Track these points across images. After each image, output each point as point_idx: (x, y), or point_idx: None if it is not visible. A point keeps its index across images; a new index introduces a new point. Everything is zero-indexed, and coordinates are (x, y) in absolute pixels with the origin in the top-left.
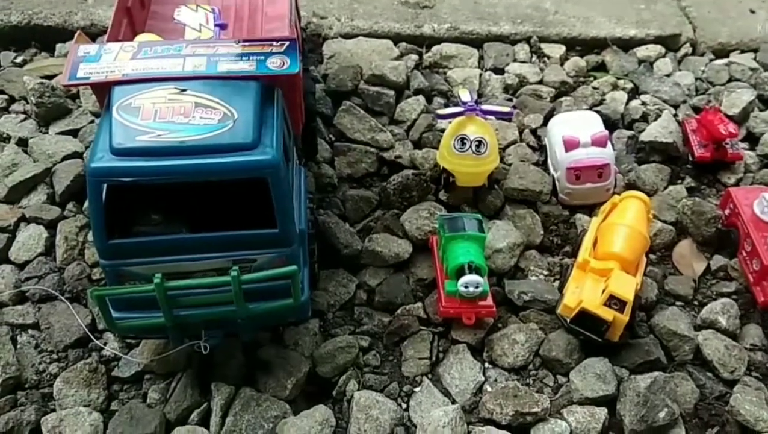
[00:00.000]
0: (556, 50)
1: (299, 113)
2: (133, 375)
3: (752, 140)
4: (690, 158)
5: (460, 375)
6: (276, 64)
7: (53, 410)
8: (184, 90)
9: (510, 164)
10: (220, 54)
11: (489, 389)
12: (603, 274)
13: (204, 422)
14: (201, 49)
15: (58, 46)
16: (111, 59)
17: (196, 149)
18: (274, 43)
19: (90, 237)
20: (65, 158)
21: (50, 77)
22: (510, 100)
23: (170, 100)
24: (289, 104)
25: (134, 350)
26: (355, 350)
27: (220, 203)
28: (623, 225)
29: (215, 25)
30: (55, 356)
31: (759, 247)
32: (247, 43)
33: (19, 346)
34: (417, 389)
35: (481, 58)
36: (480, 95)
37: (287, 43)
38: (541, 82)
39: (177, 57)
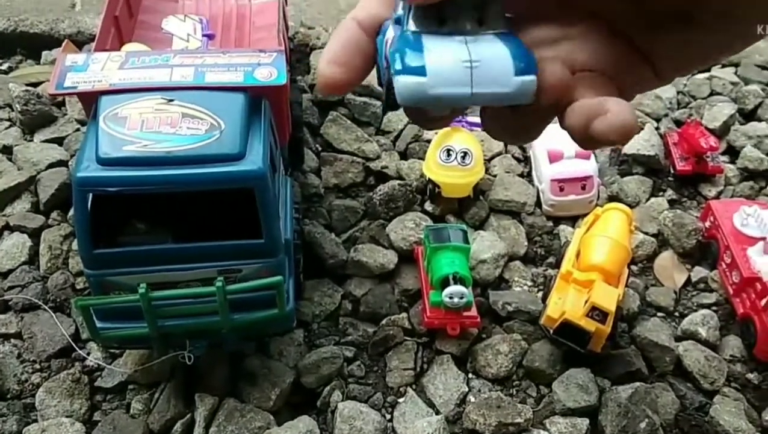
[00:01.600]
0: None
1: (286, 124)
2: (116, 386)
3: (733, 153)
4: (671, 171)
5: (444, 385)
6: (263, 75)
7: (35, 421)
8: (172, 100)
9: (495, 175)
10: (207, 64)
11: (473, 399)
12: (585, 285)
13: (188, 432)
14: (188, 60)
15: (45, 53)
16: (98, 69)
17: (183, 159)
18: (262, 54)
19: (74, 246)
20: (50, 166)
21: (36, 85)
22: None
23: (157, 110)
24: (276, 115)
25: (118, 360)
26: (339, 360)
27: (206, 213)
28: (605, 237)
29: (203, 35)
30: (37, 366)
31: (738, 259)
32: (234, 54)
33: (1, 356)
34: (401, 400)
35: None
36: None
37: (275, 54)
38: None
39: (164, 67)
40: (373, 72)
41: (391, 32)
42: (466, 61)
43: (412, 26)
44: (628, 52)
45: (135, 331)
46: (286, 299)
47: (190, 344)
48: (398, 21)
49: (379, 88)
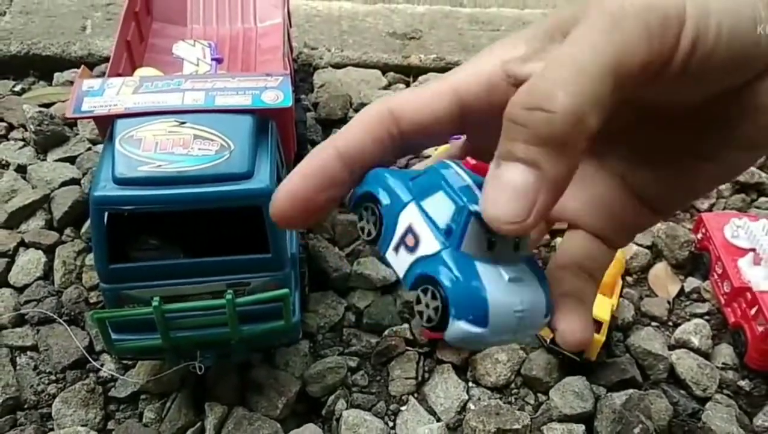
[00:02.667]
0: None
1: (292, 143)
2: (129, 395)
3: None
4: None
5: (445, 394)
6: (270, 98)
7: (51, 429)
8: (184, 123)
9: None
10: (217, 88)
11: (472, 407)
12: None
13: None
14: (199, 84)
15: (57, 75)
16: (114, 93)
17: (195, 179)
18: (269, 77)
19: (87, 261)
20: (63, 184)
21: (48, 105)
22: None
23: (170, 132)
24: (282, 135)
25: (130, 371)
26: (343, 370)
27: (216, 229)
28: None
29: (212, 59)
30: (53, 377)
31: (729, 270)
32: (243, 78)
33: (18, 367)
34: (403, 408)
35: None
36: None
37: (281, 78)
38: None
39: (176, 91)
40: (365, 91)
41: (412, 214)
42: (519, 310)
43: (465, 247)
44: (628, 197)
45: (148, 342)
46: (292, 311)
47: (201, 355)
48: (418, 191)
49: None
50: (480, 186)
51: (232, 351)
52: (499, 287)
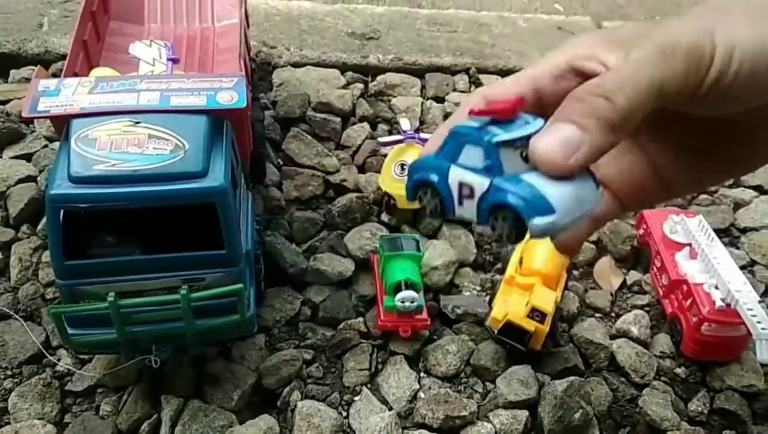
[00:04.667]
0: (493, 81)
1: (247, 141)
2: (86, 389)
3: None
4: None
5: (397, 383)
6: (225, 98)
7: (8, 423)
8: (138, 123)
9: None
10: (172, 89)
11: (423, 396)
12: (527, 289)
13: (154, 432)
14: (154, 84)
15: (13, 72)
16: (70, 93)
17: (149, 177)
18: (224, 78)
19: (44, 258)
20: (19, 181)
21: (4, 102)
22: None
23: (125, 132)
24: (237, 134)
25: (87, 365)
26: (298, 362)
27: (172, 226)
28: (545, 244)
29: (168, 59)
30: (9, 372)
31: (667, 263)
32: (198, 79)
33: None
34: (357, 398)
35: (423, 87)
36: (422, 123)
37: (236, 78)
38: None
39: (132, 92)
40: (323, 90)
41: (456, 173)
42: (573, 193)
43: (507, 169)
44: (651, 176)
45: (104, 337)
46: (247, 306)
47: (156, 348)
48: (451, 156)
49: (340, 106)
50: (492, 123)
51: (188, 344)
52: (548, 182)
